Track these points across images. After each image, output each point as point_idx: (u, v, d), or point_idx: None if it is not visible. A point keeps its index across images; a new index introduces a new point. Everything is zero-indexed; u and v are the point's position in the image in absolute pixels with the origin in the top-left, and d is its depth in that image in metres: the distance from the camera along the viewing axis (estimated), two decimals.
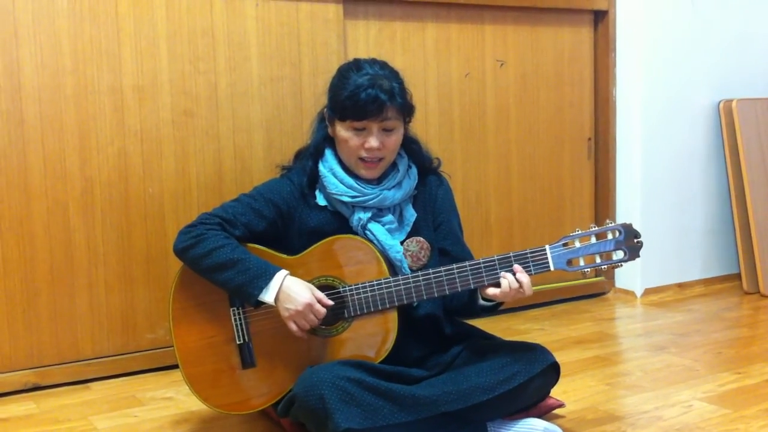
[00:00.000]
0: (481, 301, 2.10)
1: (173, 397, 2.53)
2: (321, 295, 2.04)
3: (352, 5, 3.00)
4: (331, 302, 2.05)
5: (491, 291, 2.04)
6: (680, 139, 3.69)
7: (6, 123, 2.51)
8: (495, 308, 2.13)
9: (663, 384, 2.55)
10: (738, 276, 3.80)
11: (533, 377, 2.04)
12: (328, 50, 2.94)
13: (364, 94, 2.06)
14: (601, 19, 3.61)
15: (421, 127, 3.14)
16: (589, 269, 2.04)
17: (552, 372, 2.11)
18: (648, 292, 3.67)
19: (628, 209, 3.65)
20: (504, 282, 2.01)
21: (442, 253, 2.23)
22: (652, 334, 3.12)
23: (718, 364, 2.73)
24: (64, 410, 2.45)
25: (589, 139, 3.65)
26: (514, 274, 2.01)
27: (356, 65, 2.15)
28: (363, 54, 2.92)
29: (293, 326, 2.03)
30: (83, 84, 2.60)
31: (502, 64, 3.37)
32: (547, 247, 2.04)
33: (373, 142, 2.10)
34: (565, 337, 3.09)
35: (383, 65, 2.17)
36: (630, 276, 3.68)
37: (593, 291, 3.70)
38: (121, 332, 2.72)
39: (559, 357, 2.16)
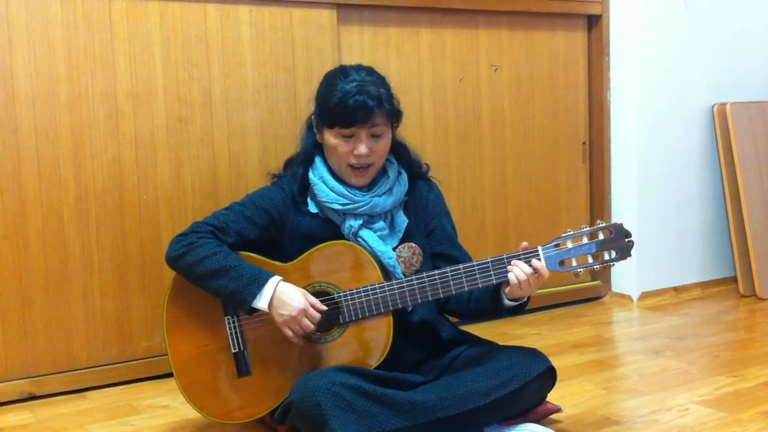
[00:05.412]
0: (507, 302, 2.09)
1: (170, 405, 2.52)
2: (315, 300, 2.04)
3: (346, 11, 3.00)
4: (324, 308, 2.05)
5: (506, 289, 2.04)
6: (675, 143, 3.69)
7: (0, 130, 2.51)
8: (522, 306, 2.12)
9: (660, 388, 2.54)
10: (734, 279, 3.80)
11: (529, 381, 2.04)
12: (323, 56, 2.94)
13: (352, 100, 2.06)
14: (594, 23, 3.62)
15: (417, 132, 3.14)
16: (581, 269, 2.04)
17: (548, 376, 2.11)
18: (644, 295, 3.67)
19: (623, 213, 3.64)
20: (511, 276, 2.01)
21: (441, 257, 2.23)
22: (648, 337, 3.12)
23: (715, 368, 2.73)
24: (60, 419, 2.44)
25: (584, 142, 3.66)
26: (526, 267, 2.01)
27: (342, 72, 2.16)
28: (357, 60, 2.93)
29: (288, 332, 2.03)
30: (77, 91, 2.59)
31: (496, 69, 3.37)
32: (539, 248, 2.04)
33: (362, 148, 2.10)
34: (562, 342, 3.09)
35: (370, 71, 2.17)
36: (626, 280, 3.68)
37: (590, 295, 3.70)
38: (117, 340, 2.71)
39: (556, 361, 2.16)
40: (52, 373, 2.62)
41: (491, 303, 2.13)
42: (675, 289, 3.76)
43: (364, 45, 3.07)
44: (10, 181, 2.53)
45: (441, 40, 3.24)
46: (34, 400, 2.59)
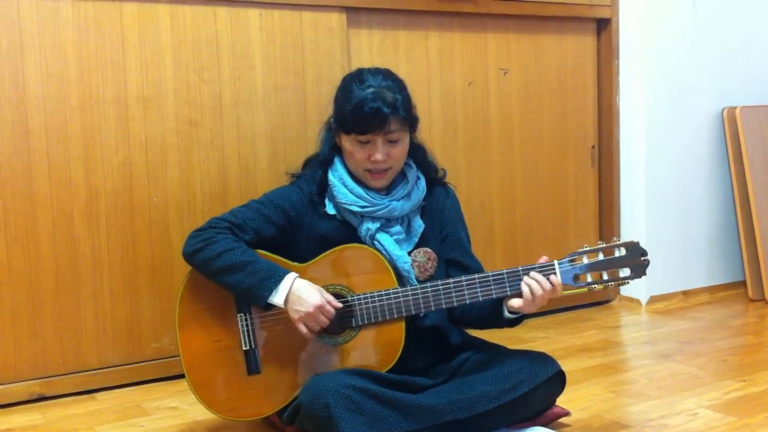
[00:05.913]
0: (507, 314, 2.10)
1: (178, 406, 2.53)
2: (331, 297, 2.05)
3: (355, 14, 3.00)
4: (340, 305, 2.05)
5: (516, 302, 2.04)
6: (684, 147, 3.69)
7: (11, 133, 2.52)
8: (520, 320, 2.12)
9: (668, 392, 2.54)
10: (743, 283, 3.79)
11: (538, 386, 2.04)
12: (332, 59, 2.95)
13: (367, 107, 2.06)
14: (603, 27, 3.61)
15: (425, 135, 3.11)
16: (595, 286, 2.05)
17: (557, 380, 2.11)
18: (653, 299, 3.67)
19: (632, 217, 3.64)
20: (526, 289, 2.00)
21: (452, 264, 2.23)
22: (657, 341, 3.11)
23: (724, 372, 2.73)
24: (69, 420, 2.45)
25: (593, 146, 3.65)
26: (545, 282, 2.01)
27: (359, 77, 2.15)
28: (366, 63, 2.93)
29: (303, 328, 2.03)
30: (88, 94, 2.60)
31: (505, 73, 3.38)
32: (555, 262, 2.04)
33: (378, 155, 2.10)
34: (570, 345, 3.08)
35: (386, 75, 2.17)
36: (635, 284, 3.64)
37: (598, 299, 3.70)
38: (127, 342, 2.72)
39: (565, 365, 2.16)
40: (62, 374, 2.63)
41: (491, 314, 2.14)
42: (684, 293, 3.75)
43: (373, 48, 3.07)
44: (21, 184, 2.54)
45: (449, 44, 3.24)
46: (44, 401, 2.60)
